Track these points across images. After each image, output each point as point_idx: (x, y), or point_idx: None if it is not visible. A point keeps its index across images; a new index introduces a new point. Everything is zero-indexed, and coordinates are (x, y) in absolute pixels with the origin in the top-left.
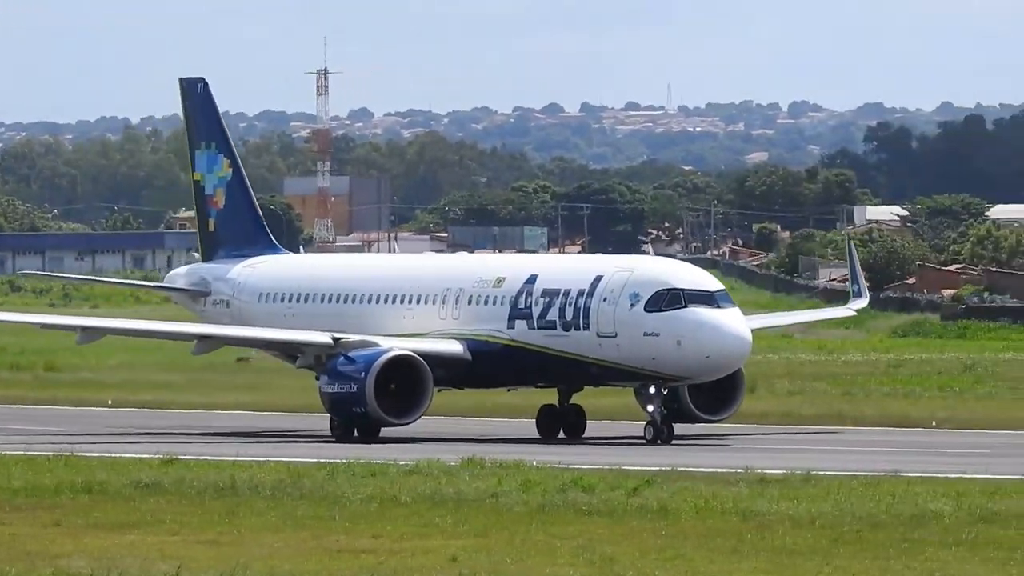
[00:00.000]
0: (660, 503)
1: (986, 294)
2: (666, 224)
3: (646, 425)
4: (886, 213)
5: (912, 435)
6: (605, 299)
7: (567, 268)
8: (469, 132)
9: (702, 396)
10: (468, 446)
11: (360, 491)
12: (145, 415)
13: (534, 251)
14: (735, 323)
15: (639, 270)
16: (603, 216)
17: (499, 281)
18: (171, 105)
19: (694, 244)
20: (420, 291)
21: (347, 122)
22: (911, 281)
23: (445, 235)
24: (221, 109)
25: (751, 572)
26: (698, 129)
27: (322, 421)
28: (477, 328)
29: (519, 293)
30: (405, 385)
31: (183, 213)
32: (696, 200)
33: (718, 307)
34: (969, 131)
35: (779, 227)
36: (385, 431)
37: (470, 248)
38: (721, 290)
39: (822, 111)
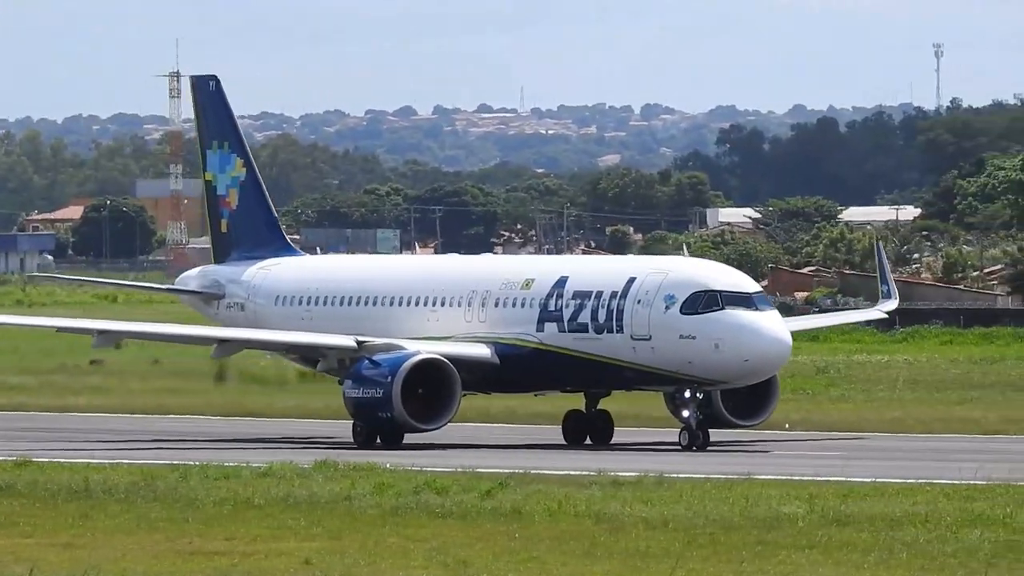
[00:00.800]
0: (513, 505)
1: (839, 296)
2: (519, 226)
3: (681, 431)
4: (738, 215)
5: (765, 437)
6: (639, 301)
7: (599, 269)
8: (322, 135)
9: (735, 401)
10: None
11: (213, 493)
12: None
13: (387, 253)
14: (775, 326)
15: (674, 271)
16: (456, 218)
17: (528, 283)
18: (24, 108)
19: (547, 247)
20: (444, 293)
21: None
22: (764, 283)
23: (298, 237)
24: (72, 112)
25: (604, 574)
26: (551, 131)
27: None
28: (505, 331)
29: (549, 295)
30: (432, 390)
31: (36, 215)
32: (549, 202)
33: (756, 309)
34: (821, 134)
35: (632, 229)
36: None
37: (323, 249)
38: (759, 292)
39: (674, 113)
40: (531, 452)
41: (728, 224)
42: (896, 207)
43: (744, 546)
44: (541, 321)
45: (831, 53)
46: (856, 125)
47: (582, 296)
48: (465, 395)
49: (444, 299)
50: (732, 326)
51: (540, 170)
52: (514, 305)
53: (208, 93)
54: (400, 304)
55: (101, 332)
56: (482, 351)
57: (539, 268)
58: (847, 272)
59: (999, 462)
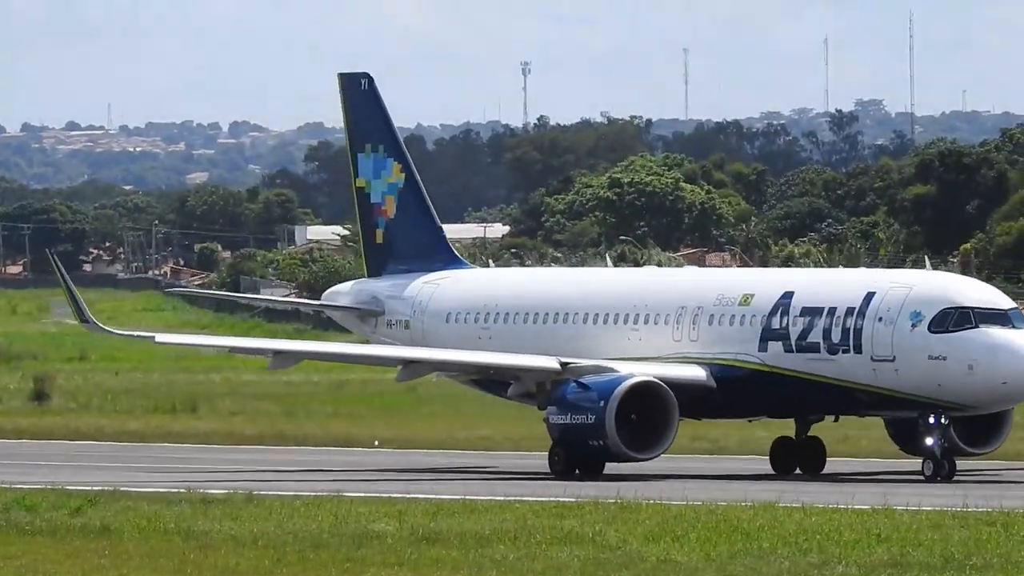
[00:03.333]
0: (103, 523)
1: None
2: (107, 244)
3: (924, 460)
4: (327, 233)
5: (354, 455)
6: (880, 319)
7: (830, 284)
8: None
9: (966, 428)
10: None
11: None
12: None
13: None
14: None
15: (919, 286)
16: (44, 236)
17: (746, 299)
18: None
19: (135, 264)
20: (649, 310)
21: None
22: None
23: None
24: None
25: None
26: (138, 149)
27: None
28: (720, 351)
29: (772, 311)
30: (646, 416)
31: None
32: (137, 220)
33: (1013, 327)
34: (409, 152)
35: (220, 247)
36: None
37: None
38: (1015, 308)
39: (263, 131)
40: (118, 469)
41: (316, 241)
42: (484, 224)
43: (333, 563)
44: (764, 340)
45: (419, 72)
46: (444, 143)
47: (812, 313)
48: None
49: (648, 316)
50: (988, 346)
51: (128, 187)
52: (731, 323)
53: (360, 92)
54: (596, 321)
55: (277, 353)
56: (697, 373)
57: (759, 282)
58: None
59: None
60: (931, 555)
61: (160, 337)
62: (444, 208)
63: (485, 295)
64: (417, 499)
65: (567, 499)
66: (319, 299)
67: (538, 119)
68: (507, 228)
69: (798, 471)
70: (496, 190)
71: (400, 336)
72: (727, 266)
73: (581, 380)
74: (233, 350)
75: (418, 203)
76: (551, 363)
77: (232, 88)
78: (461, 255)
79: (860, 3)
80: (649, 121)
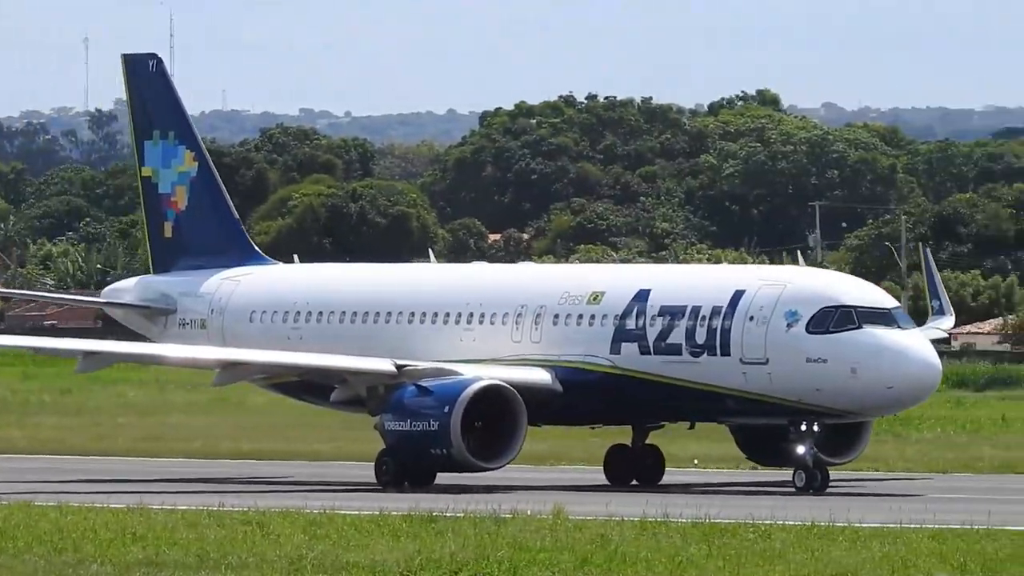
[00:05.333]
0: None
1: None
2: None
3: (796, 471)
4: None
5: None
6: (752, 318)
7: (692, 281)
8: None
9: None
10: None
11: None
12: None
13: None
14: (923, 347)
15: (795, 283)
16: None
17: (596, 296)
18: None
19: None
20: (484, 308)
21: None
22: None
23: None
24: None
25: None
26: None
27: None
28: (567, 353)
29: (627, 311)
30: (492, 422)
31: None
32: None
33: (899, 327)
34: None
35: None
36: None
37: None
38: (898, 307)
39: None
40: None
41: None
42: None
43: None
44: (617, 341)
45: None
46: None
47: (672, 312)
48: None
49: (484, 315)
50: (873, 347)
51: None
52: (579, 322)
53: (147, 74)
54: (425, 320)
55: (87, 354)
56: (542, 376)
57: (609, 279)
58: None
59: None
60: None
61: None
62: None
63: (294, 292)
64: None
65: None
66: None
67: None
68: None
69: (634, 482)
70: None
71: (195, 336)
72: None
73: (421, 384)
74: (39, 351)
75: (213, 194)
76: (386, 365)
77: None
78: None
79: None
80: None
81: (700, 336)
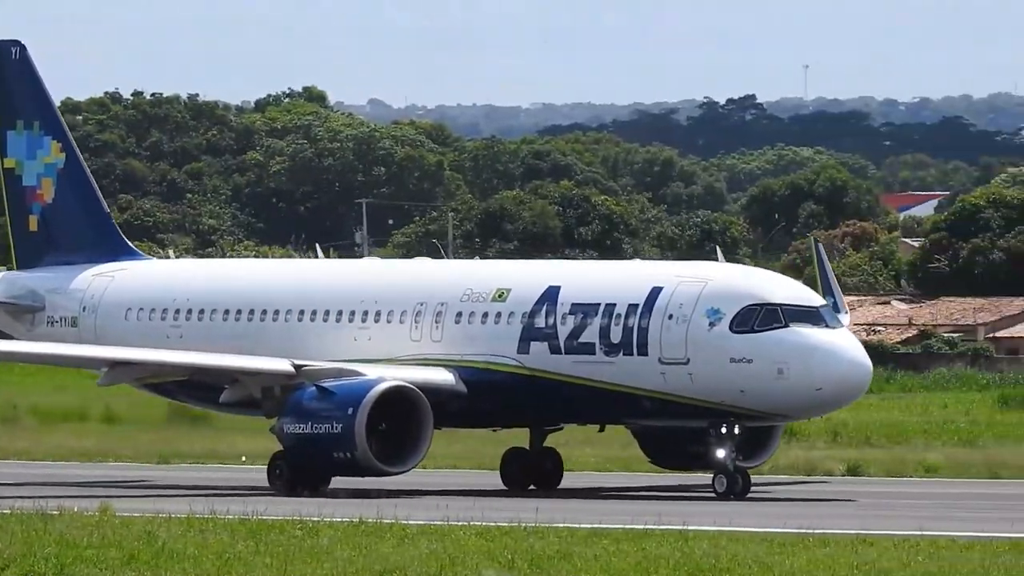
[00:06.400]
0: None
1: None
2: None
3: (716, 475)
4: None
5: None
6: (671, 316)
7: (605, 278)
8: None
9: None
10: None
11: None
12: None
13: None
14: (852, 346)
15: (717, 280)
16: None
17: (501, 294)
18: None
19: None
20: (380, 306)
21: None
22: None
23: None
24: None
25: None
26: None
27: None
28: (470, 352)
29: (536, 308)
30: (397, 425)
31: None
32: None
33: (827, 327)
34: None
35: None
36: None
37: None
38: (825, 305)
39: None
40: None
41: None
42: None
43: None
44: (525, 340)
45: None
46: None
47: (584, 310)
48: None
49: (379, 313)
50: (801, 347)
51: None
52: (483, 320)
53: (11, 62)
54: (316, 318)
55: None
56: (445, 377)
57: (515, 276)
58: None
59: None
60: None
61: None
62: None
63: (173, 288)
64: None
65: None
66: None
67: None
68: None
69: (532, 487)
70: None
71: (65, 335)
72: None
73: (322, 384)
74: None
75: (82, 186)
76: (283, 365)
77: None
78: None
79: None
80: None
81: (615, 335)
